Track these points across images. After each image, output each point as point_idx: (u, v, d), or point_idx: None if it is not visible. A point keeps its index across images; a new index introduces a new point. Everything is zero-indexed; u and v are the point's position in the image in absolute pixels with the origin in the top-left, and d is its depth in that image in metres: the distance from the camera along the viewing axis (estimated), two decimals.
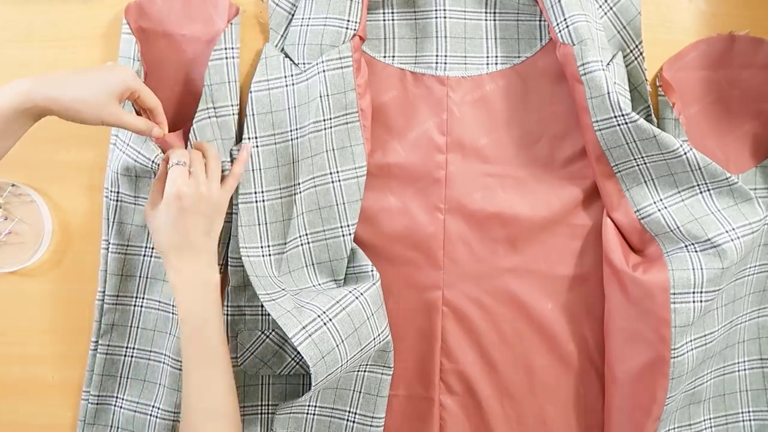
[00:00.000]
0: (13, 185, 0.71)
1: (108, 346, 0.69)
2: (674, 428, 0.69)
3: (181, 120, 0.69)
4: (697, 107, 0.71)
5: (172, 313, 0.69)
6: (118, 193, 0.69)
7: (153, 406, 0.69)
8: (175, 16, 0.69)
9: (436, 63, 0.70)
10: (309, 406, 0.67)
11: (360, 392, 0.66)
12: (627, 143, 0.63)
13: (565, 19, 0.64)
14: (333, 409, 0.67)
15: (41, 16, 0.72)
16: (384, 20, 0.70)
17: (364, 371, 0.66)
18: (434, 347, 0.69)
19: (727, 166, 0.70)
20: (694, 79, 0.71)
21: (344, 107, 0.65)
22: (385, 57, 0.70)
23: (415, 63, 0.70)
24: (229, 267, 0.68)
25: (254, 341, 0.68)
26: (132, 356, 0.69)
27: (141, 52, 0.68)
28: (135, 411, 0.69)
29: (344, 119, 0.66)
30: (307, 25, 0.67)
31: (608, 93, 0.62)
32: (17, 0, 0.72)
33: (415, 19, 0.70)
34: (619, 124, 0.63)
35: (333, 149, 0.66)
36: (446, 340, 0.69)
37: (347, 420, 0.66)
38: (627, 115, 0.62)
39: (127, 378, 0.69)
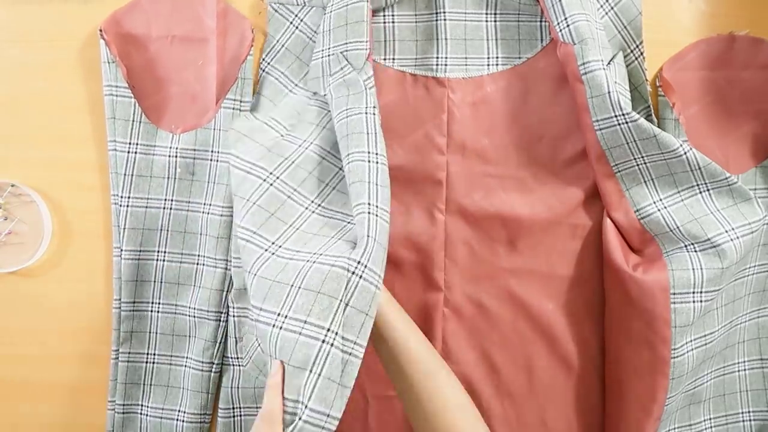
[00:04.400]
0: (13, 185, 0.71)
1: (129, 353, 0.69)
2: (674, 428, 0.69)
3: (176, 121, 0.69)
4: (697, 107, 0.71)
5: (189, 316, 0.69)
6: (129, 198, 0.69)
7: (179, 411, 0.69)
8: (163, 19, 0.69)
9: (437, 65, 0.70)
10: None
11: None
12: (627, 143, 0.63)
13: (565, 18, 0.64)
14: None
15: (41, 16, 0.72)
16: (384, 23, 0.70)
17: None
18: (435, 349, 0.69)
19: (727, 166, 0.70)
20: (694, 79, 0.71)
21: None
22: (385, 60, 0.70)
23: (415, 65, 0.70)
24: (232, 268, 0.68)
25: (251, 346, 0.68)
26: (153, 362, 0.69)
27: (119, 55, 0.69)
28: (161, 417, 0.69)
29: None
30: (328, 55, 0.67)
31: (609, 92, 0.62)
32: (17, 0, 0.72)
33: (416, 21, 0.70)
34: (619, 124, 0.62)
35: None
36: (447, 342, 0.69)
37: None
38: (627, 114, 0.62)
39: (151, 384, 0.69)
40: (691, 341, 0.63)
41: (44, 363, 0.72)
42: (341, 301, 0.52)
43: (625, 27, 0.68)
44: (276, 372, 0.51)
